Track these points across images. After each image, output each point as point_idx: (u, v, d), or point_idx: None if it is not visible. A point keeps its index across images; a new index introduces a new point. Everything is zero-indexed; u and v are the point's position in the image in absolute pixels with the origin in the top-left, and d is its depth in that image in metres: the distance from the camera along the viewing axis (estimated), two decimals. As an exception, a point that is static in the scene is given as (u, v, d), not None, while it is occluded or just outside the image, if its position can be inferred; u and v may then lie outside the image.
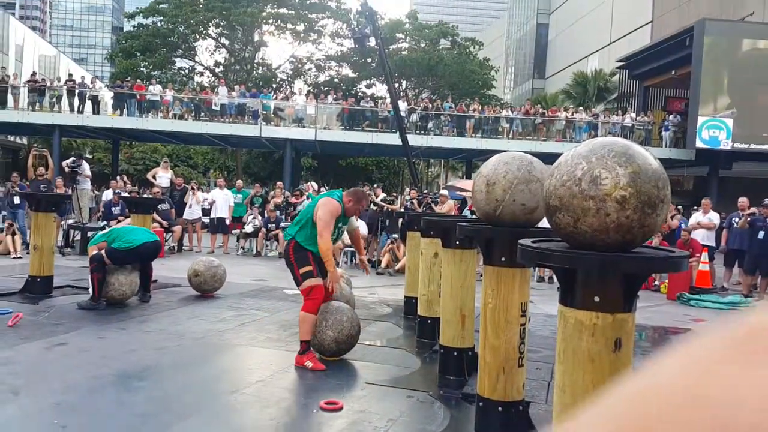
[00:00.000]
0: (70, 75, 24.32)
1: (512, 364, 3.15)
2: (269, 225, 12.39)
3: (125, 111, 22.28)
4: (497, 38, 66.34)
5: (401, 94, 30.94)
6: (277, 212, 12.62)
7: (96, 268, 6.21)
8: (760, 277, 9.66)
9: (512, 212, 3.16)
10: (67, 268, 8.74)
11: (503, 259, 3.11)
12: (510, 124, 23.05)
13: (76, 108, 21.97)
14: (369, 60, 31.04)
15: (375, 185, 16.29)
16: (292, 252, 4.66)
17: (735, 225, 10.20)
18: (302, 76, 35.85)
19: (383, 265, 10.78)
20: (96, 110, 22.42)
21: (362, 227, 11.71)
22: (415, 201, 11.16)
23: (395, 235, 10.99)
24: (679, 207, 12.41)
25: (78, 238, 11.45)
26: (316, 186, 18.47)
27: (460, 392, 3.99)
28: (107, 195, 13.48)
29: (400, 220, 10.56)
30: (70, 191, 11.62)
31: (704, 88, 20.96)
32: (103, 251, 6.28)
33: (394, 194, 18.69)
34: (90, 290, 6.23)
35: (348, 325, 4.75)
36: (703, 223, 10.59)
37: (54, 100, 22.35)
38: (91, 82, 24.04)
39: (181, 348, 4.93)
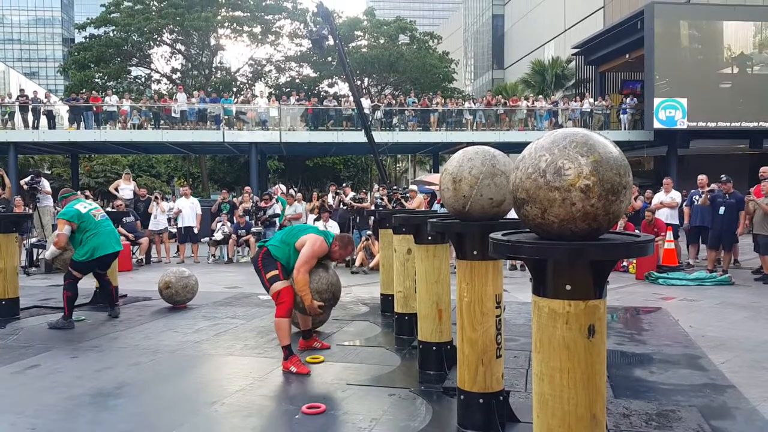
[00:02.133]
0: (22, 90, 23.69)
1: (490, 356, 3.19)
2: (239, 231, 12.27)
3: (82, 124, 21.80)
4: (455, 31, 66.78)
5: (364, 91, 30.93)
6: (247, 217, 12.50)
7: (69, 286, 6.10)
8: (723, 251, 9.95)
9: (481, 207, 3.20)
10: (33, 288, 8.52)
11: (475, 252, 3.15)
12: (473, 115, 23.28)
13: (30, 124, 21.41)
14: (329, 59, 30.93)
15: (344, 184, 16.27)
16: (261, 258, 4.77)
17: (696, 202, 10.49)
18: (262, 79, 35.55)
19: (357, 263, 10.78)
20: (52, 125, 21.89)
21: (335, 227, 11.70)
22: (385, 198, 11.18)
23: (369, 232, 10.99)
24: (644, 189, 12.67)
25: (42, 256, 11.16)
26: (284, 188, 18.37)
27: (441, 386, 4.02)
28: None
29: (372, 218, 10.57)
30: (30, 209, 11.32)
31: (658, 70, 21.48)
32: (70, 268, 6.19)
33: (364, 192, 18.68)
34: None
35: (324, 273, 4.77)
36: (666, 202, 10.86)
37: (6, 116, 21.73)
38: (45, 97, 23.45)
39: (157, 362, 4.86)
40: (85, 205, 6.40)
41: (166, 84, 35.21)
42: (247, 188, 15.01)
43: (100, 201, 21.69)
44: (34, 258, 11.22)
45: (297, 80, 34.86)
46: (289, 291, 4.61)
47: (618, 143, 2.16)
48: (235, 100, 24.57)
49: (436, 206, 13.48)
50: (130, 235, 11.51)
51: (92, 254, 6.15)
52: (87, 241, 6.16)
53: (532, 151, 2.14)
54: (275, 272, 4.66)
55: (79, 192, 11.40)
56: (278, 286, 4.61)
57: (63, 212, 6.27)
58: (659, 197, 11.13)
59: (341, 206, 12.39)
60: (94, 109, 21.81)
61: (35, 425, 3.54)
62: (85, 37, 34.18)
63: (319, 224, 11.86)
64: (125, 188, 13.75)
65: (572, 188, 2.00)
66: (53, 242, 6.40)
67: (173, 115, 22.15)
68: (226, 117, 22.27)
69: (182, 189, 13.95)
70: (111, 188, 14.39)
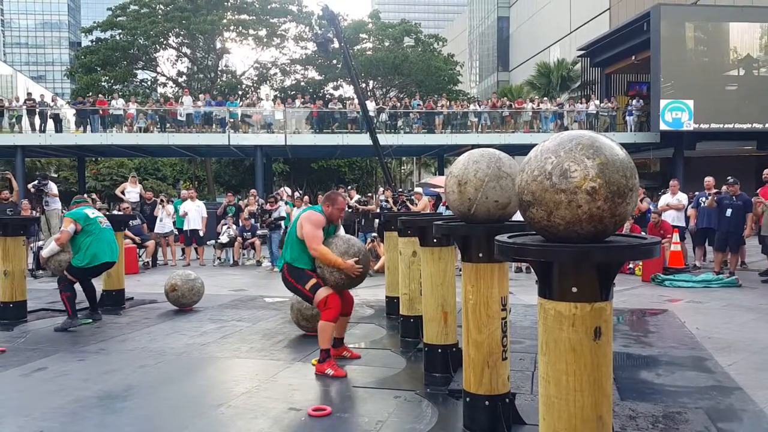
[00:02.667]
0: (29, 94, 23.82)
1: (496, 358, 3.19)
2: (245, 233, 12.30)
3: (89, 127, 21.90)
4: (460, 34, 66.84)
5: (369, 94, 30.97)
6: (252, 220, 12.53)
7: (65, 288, 6.16)
8: (730, 253, 9.90)
9: (486, 209, 3.20)
10: (40, 291, 8.56)
11: (481, 255, 3.14)
12: (478, 118, 23.25)
13: (37, 127, 21.52)
14: (335, 62, 30.98)
15: (349, 187, 16.28)
16: (288, 275, 4.64)
17: (702, 204, 10.44)
18: (268, 82, 35.63)
19: (362, 266, 10.75)
20: (59, 128, 22.01)
21: (339, 230, 11.67)
22: (390, 200, 11.18)
23: (374, 234, 10.98)
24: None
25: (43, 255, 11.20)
26: (289, 191, 18.38)
27: (447, 389, 4.01)
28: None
29: (377, 220, 10.56)
30: (38, 213, 11.37)
31: (664, 72, 21.40)
32: (65, 272, 6.24)
33: (369, 195, 18.70)
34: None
35: (333, 239, 4.68)
36: (672, 204, 10.82)
37: (14, 120, 21.85)
38: (52, 100, 23.57)
39: (164, 364, 4.88)
40: (93, 211, 6.51)
41: (171, 87, 35.35)
42: (252, 191, 15.05)
43: (107, 204, 21.76)
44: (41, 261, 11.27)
45: (302, 83, 34.93)
46: (336, 297, 4.49)
47: (624, 145, 2.16)
48: (241, 103, 24.60)
49: (441, 209, 13.49)
50: (137, 238, 11.55)
51: (92, 261, 6.21)
52: (89, 245, 6.20)
53: (538, 154, 2.13)
54: (313, 281, 4.51)
55: (86, 195, 11.44)
56: (322, 293, 4.48)
57: (71, 212, 6.38)
58: (665, 199, 11.09)
59: (346, 208, 12.38)
60: (101, 112, 21.92)
61: (42, 428, 3.55)
62: (92, 41, 34.39)
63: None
64: (131, 191, 13.79)
65: (578, 190, 1.99)
66: (55, 239, 6.46)
67: (179, 118, 22.23)
68: (232, 120, 22.33)
69: (184, 192, 13.99)
70: (117, 191, 14.44)
